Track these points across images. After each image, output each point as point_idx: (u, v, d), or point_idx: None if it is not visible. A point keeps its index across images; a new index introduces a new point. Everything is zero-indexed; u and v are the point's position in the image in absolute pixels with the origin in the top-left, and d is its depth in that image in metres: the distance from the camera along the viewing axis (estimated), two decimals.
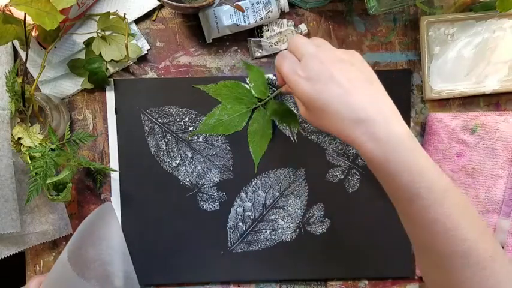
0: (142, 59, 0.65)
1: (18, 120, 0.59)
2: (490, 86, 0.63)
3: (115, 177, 0.64)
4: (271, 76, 0.64)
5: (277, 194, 0.65)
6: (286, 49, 0.50)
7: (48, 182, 0.55)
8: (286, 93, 0.60)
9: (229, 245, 0.65)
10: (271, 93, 0.62)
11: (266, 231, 0.65)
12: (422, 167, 0.40)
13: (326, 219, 0.65)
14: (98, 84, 0.63)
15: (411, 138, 0.41)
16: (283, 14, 0.64)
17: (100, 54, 0.62)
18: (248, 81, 0.63)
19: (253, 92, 0.62)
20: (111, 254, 0.60)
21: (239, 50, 0.65)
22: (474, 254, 0.40)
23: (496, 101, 0.65)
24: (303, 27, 0.64)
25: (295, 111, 0.63)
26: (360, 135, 0.41)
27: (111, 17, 0.60)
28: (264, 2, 0.61)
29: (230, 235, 0.65)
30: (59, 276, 0.54)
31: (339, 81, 0.42)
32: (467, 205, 0.42)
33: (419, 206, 0.40)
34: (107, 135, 0.65)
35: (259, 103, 0.62)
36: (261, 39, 0.63)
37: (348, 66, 0.44)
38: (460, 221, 0.40)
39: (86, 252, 0.58)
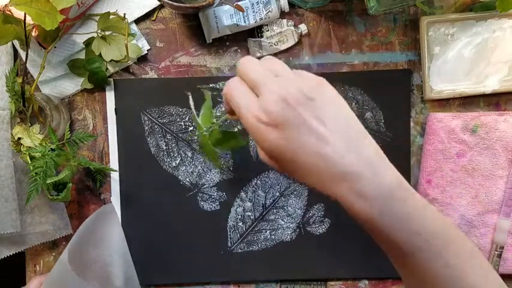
0: (142, 59, 0.65)
1: (18, 120, 0.59)
2: (490, 86, 0.63)
3: (115, 177, 0.64)
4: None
5: (277, 194, 0.65)
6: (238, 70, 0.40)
7: (48, 182, 0.55)
8: (233, 119, 0.50)
9: (229, 245, 0.65)
10: (217, 120, 0.53)
11: (266, 231, 0.65)
12: (419, 218, 0.35)
13: (326, 219, 0.65)
14: (98, 84, 0.63)
15: (402, 185, 0.35)
16: (283, 14, 0.64)
17: (100, 54, 0.62)
18: (201, 109, 0.55)
19: (198, 120, 0.54)
20: (112, 255, 0.60)
21: (239, 50, 0.65)
22: None
23: (496, 101, 0.65)
24: (303, 27, 0.64)
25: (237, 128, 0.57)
26: (344, 192, 0.35)
27: (111, 17, 0.60)
28: (264, 2, 0.61)
29: (230, 235, 0.65)
30: (60, 277, 0.54)
31: (312, 128, 0.34)
32: (472, 249, 0.38)
33: (418, 260, 0.36)
34: (107, 135, 0.65)
35: (204, 131, 0.54)
36: (261, 39, 0.63)
37: (319, 104, 0.35)
38: (465, 269, 0.36)
39: (87, 253, 0.58)
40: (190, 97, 0.52)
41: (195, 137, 0.62)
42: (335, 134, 0.35)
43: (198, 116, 0.52)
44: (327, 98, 0.36)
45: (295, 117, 0.34)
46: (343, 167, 0.34)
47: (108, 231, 0.61)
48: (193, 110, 0.52)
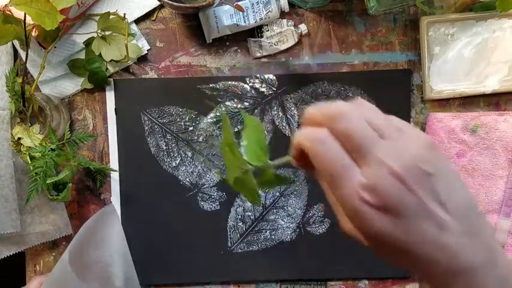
0: (142, 59, 0.65)
1: (18, 120, 0.59)
2: (490, 86, 0.63)
3: (115, 177, 0.64)
4: (271, 76, 0.64)
5: (277, 194, 0.65)
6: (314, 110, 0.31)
7: (48, 182, 0.55)
8: (297, 167, 0.37)
9: (229, 245, 0.65)
10: (273, 161, 0.39)
11: (266, 231, 0.65)
12: None
13: (326, 219, 0.65)
14: (98, 84, 0.63)
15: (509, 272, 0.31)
16: (283, 14, 0.64)
17: (100, 54, 0.62)
18: (241, 140, 0.40)
19: (242, 152, 0.40)
20: (112, 255, 0.60)
21: (239, 50, 0.65)
22: None
23: (496, 101, 0.65)
24: (303, 27, 0.64)
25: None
26: (459, 285, 0.29)
27: (111, 17, 0.60)
28: (264, 2, 0.61)
29: (230, 235, 0.65)
30: (60, 277, 0.54)
31: (432, 212, 0.28)
32: None
33: None
34: (107, 135, 0.64)
35: (249, 167, 0.39)
36: (261, 39, 0.63)
37: (437, 179, 0.28)
38: None
39: (88, 254, 0.58)
40: (225, 115, 0.39)
41: (215, 172, 0.46)
42: (455, 218, 0.28)
43: (240, 146, 0.40)
44: (444, 169, 0.29)
45: (413, 200, 0.27)
46: (463, 258, 0.28)
47: (109, 232, 0.61)
48: (228, 135, 0.38)
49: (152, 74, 0.65)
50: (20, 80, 0.57)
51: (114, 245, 0.61)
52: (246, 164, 0.39)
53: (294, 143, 0.32)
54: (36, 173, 0.55)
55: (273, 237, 0.65)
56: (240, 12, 0.61)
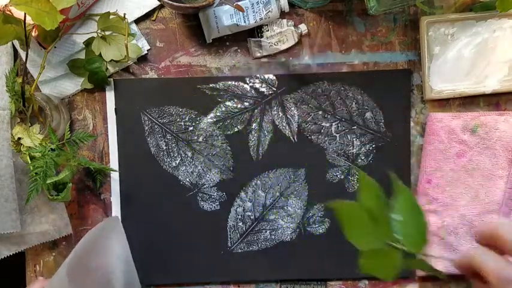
0: (142, 59, 0.65)
1: (18, 120, 0.59)
2: (490, 86, 0.63)
3: (115, 177, 0.64)
4: (271, 76, 0.64)
5: (277, 194, 0.65)
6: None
7: (48, 182, 0.55)
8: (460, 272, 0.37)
9: (229, 245, 0.65)
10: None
11: (266, 231, 0.65)
12: None
13: (326, 219, 0.65)
14: (98, 84, 0.63)
15: None
16: (283, 14, 0.64)
17: (100, 54, 0.62)
18: (392, 211, 0.38)
19: (395, 229, 0.37)
20: (113, 265, 0.59)
21: (239, 50, 0.65)
22: None
23: (496, 101, 0.65)
24: (303, 27, 0.64)
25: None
26: None
27: (111, 17, 0.60)
28: (264, 2, 0.61)
29: (230, 235, 0.65)
30: (59, 285, 0.53)
31: None
32: None
33: None
34: (107, 135, 0.65)
35: (399, 247, 0.36)
36: (261, 39, 0.63)
37: None
38: None
39: (89, 262, 0.57)
40: (373, 182, 0.36)
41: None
42: None
43: (390, 218, 0.37)
44: None
45: None
46: None
47: (112, 244, 0.60)
48: (378, 202, 0.36)
49: (152, 74, 0.65)
50: (20, 80, 0.57)
51: (117, 252, 0.60)
52: (397, 242, 0.36)
53: (472, 258, 0.34)
54: (36, 173, 0.55)
55: (273, 237, 0.65)
56: (240, 12, 0.61)
